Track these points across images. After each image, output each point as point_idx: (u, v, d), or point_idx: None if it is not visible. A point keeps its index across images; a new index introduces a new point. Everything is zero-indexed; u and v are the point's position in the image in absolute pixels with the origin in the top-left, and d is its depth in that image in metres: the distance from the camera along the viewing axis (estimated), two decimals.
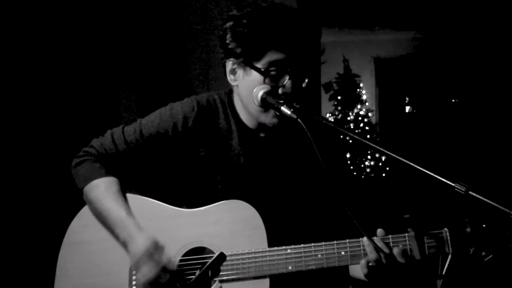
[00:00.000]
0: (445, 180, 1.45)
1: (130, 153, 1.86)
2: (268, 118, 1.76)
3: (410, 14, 8.13)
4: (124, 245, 1.75)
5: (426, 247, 1.65)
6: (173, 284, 1.70)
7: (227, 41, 1.77)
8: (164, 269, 1.69)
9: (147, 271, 1.68)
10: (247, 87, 1.77)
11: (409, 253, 1.65)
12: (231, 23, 1.76)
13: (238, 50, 1.74)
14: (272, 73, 1.72)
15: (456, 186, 1.42)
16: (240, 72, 1.78)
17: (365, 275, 1.67)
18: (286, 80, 1.72)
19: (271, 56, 1.71)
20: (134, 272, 1.78)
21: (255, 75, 1.73)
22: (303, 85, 1.76)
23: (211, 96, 1.92)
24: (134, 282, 1.80)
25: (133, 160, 1.88)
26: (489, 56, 8.35)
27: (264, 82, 1.72)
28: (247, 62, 1.74)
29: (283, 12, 1.73)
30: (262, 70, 1.71)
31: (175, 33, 3.89)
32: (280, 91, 1.72)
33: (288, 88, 1.71)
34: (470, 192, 1.41)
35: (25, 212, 3.10)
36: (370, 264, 1.64)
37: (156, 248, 1.70)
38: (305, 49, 1.75)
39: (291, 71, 1.72)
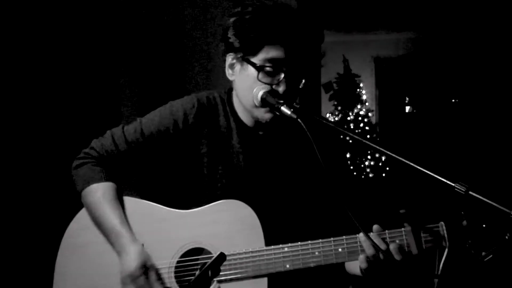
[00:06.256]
0: (445, 180, 1.44)
1: (132, 153, 1.86)
2: (261, 113, 1.76)
3: (410, 14, 8.13)
4: (118, 254, 1.77)
5: (423, 242, 1.66)
6: None
7: (228, 35, 1.78)
8: None
9: None
10: (243, 81, 1.78)
11: (406, 248, 1.66)
12: (234, 18, 1.76)
13: (237, 44, 1.75)
14: (268, 69, 1.71)
15: (456, 186, 1.42)
16: (238, 67, 1.79)
17: (364, 270, 1.67)
18: (281, 78, 1.71)
19: (267, 52, 1.71)
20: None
21: (250, 70, 1.74)
22: (300, 86, 1.76)
23: (211, 94, 1.93)
24: None
25: (134, 160, 1.87)
26: (489, 56, 8.35)
27: (257, 78, 1.72)
28: (245, 57, 1.75)
29: (284, 10, 1.73)
30: (257, 65, 1.72)
31: (175, 31, 3.88)
32: (273, 88, 1.72)
33: (283, 86, 1.71)
34: (470, 192, 1.41)
35: (23, 214, 3.09)
36: (368, 259, 1.65)
37: (142, 270, 1.71)
38: (305, 50, 1.74)
39: (287, 70, 1.71)
